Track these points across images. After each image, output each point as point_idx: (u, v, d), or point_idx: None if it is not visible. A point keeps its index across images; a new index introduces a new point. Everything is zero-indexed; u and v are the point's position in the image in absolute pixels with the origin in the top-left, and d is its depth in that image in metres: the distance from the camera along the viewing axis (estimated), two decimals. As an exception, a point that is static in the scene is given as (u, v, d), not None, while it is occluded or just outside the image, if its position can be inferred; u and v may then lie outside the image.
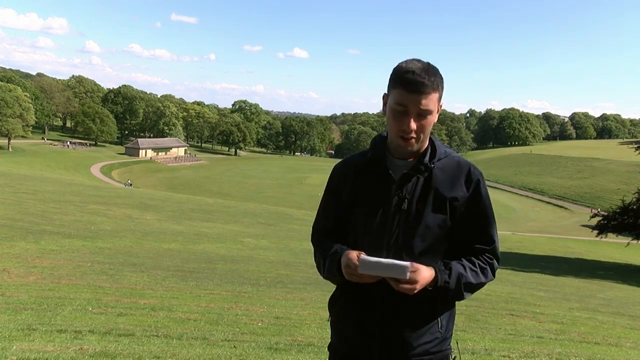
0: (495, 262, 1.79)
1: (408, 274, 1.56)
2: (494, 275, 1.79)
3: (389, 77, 1.72)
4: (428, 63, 1.67)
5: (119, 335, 4.48)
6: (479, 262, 1.75)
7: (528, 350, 5.08)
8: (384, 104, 1.75)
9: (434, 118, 1.69)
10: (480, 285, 1.75)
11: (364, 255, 1.58)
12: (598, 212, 26.40)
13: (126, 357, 3.84)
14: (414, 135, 1.67)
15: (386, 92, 1.74)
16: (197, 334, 4.79)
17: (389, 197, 1.73)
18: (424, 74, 1.62)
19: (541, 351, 5.08)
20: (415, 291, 1.59)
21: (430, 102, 1.64)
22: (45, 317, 4.93)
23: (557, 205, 68.77)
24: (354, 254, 1.65)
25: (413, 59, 1.68)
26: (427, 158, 1.74)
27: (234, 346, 4.41)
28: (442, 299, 1.69)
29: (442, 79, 1.68)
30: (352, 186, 1.81)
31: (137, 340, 4.38)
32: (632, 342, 6.15)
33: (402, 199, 1.72)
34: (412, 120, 1.64)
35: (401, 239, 1.71)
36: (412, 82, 1.61)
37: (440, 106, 1.73)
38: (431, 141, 1.78)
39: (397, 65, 1.69)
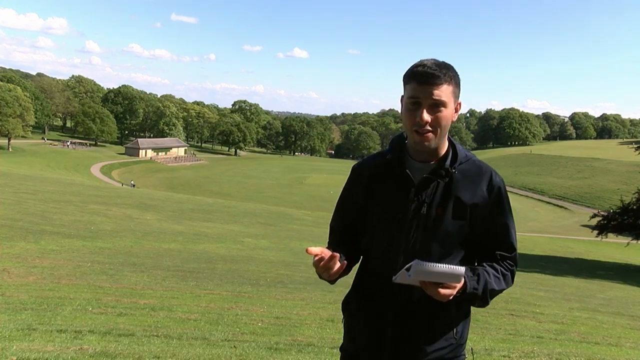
0: (515, 268, 1.77)
1: (462, 279, 1.54)
2: (512, 281, 1.76)
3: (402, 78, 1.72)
4: (443, 61, 1.68)
5: (119, 335, 4.48)
6: (501, 268, 1.72)
7: (528, 350, 5.08)
8: (402, 106, 1.74)
9: (449, 112, 1.66)
10: (501, 291, 1.72)
11: (418, 261, 1.47)
12: (608, 213, 26.08)
13: (126, 357, 3.84)
14: (428, 128, 1.63)
15: (403, 94, 1.73)
16: (197, 334, 4.79)
17: (408, 200, 1.70)
18: (435, 66, 1.62)
19: (541, 351, 5.08)
20: (451, 297, 1.55)
21: (442, 93, 1.62)
22: (45, 317, 4.93)
23: (557, 205, 68.70)
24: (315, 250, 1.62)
25: (428, 58, 1.69)
26: (448, 162, 1.71)
27: (234, 346, 4.41)
28: (457, 304, 1.66)
29: (456, 74, 1.67)
30: (367, 187, 1.79)
31: (137, 340, 4.38)
32: (632, 342, 6.15)
33: (422, 203, 1.69)
34: (424, 111, 1.62)
35: (419, 243, 1.68)
36: (422, 74, 1.61)
37: (459, 104, 1.71)
38: (452, 144, 1.76)
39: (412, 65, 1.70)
